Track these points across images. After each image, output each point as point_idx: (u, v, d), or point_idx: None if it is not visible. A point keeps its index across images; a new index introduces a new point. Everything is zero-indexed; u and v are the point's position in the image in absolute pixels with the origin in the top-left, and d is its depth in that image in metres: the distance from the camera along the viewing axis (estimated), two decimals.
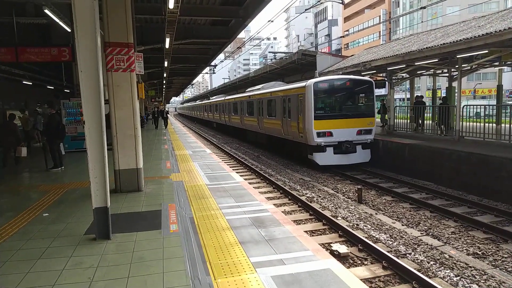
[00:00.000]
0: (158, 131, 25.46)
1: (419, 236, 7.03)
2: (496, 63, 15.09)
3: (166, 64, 19.85)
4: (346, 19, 77.61)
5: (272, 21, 15.50)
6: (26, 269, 4.03)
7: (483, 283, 5.21)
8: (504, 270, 5.59)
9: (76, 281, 3.74)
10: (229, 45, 23.26)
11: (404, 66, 15.51)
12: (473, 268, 5.64)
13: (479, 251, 6.29)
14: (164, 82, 32.62)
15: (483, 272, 5.51)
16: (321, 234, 7.23)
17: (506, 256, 6.09)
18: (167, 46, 14.32)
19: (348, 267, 5.67)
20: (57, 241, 4.84)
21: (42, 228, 5.35)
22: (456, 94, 14.46)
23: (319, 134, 13.19)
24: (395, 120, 16.84)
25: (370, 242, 6.35)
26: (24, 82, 19.86)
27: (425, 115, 16.90)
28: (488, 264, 5.82)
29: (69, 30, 10.99)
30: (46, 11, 9.57)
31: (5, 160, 10.91)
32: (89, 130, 4.62)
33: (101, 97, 4.62)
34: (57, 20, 10.27)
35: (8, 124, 10.89)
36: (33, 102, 22.51)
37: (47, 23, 12.29)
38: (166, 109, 46.96)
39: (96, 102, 4.61)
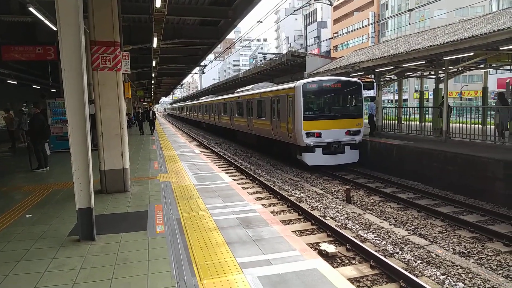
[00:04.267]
0: (143, 137, 21.46)
1: (406, 236, 7.08)
2: (482, 65, 15.32)
3: (154, 64, 19.68)
4: (336, 21, 78.23)
5: (261, 22, 15.49)
6: (7, 271, 3.92)
7: (469, 281, 5.25)
8: (489, 268, 5.65)
9: (58, 283, 3.65)
10: (219, 46, 23.15)
11: (392, 67, 15.66)
12: (459, 267, 5.69)
13: (465, 250, 6.35)
14: (153, 82, 32.31)
15: (468, 271, 5.56)
16: (309, 234, 7.22)
17: (491, 254, 6.16)
18: (154, 45, 14.19)
19: (336, 267, 5.67)
20: (39, 243, 4.72)
21: (25, 230, 5.22)
22: (443, 96, 14.64)
23: (308, 135, 13.22)
24: (383, 121, 16.97)
25: (358, 242, 6.36)
26: (9, 81, 19.45)
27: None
28: (473, 262, 5.88)
29: (55, 29, 10.81)
30: (31, 8, 9.37)
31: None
32: (73, 130, 4.53)
33: (85, 96, 4.52)
34: (42, 18, 10.08)
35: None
36: (19, 101, 22.11)
37: (32, 21, 12.07)
38: (154, 109, 40.22)
39: (79, 101, 4.52)
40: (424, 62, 14.31)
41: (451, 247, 6.50)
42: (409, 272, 5.28)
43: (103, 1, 6.85)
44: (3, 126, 18.59)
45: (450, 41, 11.28)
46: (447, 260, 5.92)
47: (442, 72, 15.28)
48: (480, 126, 14.25)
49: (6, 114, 16.87)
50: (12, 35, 13.64)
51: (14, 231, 5.15)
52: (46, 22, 10.37)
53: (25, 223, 5.54)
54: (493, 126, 12.54)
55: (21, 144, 15.86)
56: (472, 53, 11.81)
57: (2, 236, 4.98)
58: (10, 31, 13.24)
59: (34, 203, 6.67)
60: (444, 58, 12.67)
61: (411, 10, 17.72)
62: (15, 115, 16.99)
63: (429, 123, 16.89)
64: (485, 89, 17.61)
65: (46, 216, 5.84)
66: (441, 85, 16.40)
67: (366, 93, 17.96)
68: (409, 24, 46.53)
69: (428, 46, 12.17)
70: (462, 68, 15.62)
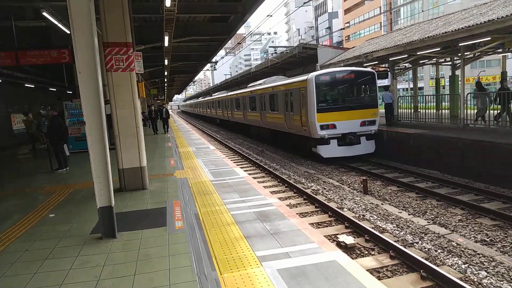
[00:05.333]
0: (158, 136, 20.52)
1: (426, 225, 7.00)
2: (499, 50, 14.92)
3: (166, 62, 19.85)
4: (347, 11, 77.13)
5: (271, 16, 15.43)
6: (34, 269, 4.05)
7: (492, 269, 5.17)
8: None
9: (83, 280, 3.76)
10: (230, 41, 23.14)
11: (406, 56, 15.37)
12: (481, 255, 5.60)
13: (487, 238, 6.24)
14: (166, 80, 32.59)
15: (491, 259, 5.47)
16: (327, 226, 7.21)
17: None
18: (166, 44, 14.31)
19: (355, 258, 5.65)
20: (63, 241, 4.86)
21: (49, 229, 5.38)
22: (459, 82, 14.32)
23: (322, 127, 13.14)
24: (399, 110, 16.72)
25: (377, 232, 6.32)
26: (26, 85, 19.93)
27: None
28: (496, 250, 5.78)
29: (68, 32, 11.00)
30: (45, 13, 9.56)
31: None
32: (90, 131, 4.62)
33: (100, 97, 4.61)
34: (56, 22, 10.27)
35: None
36: (37, 104, 22.64)
37: (46, 26, 12.30)
38: (168, 106, 37.01)
39: (95, 102, 4.60)
40: (439, 49, 14.01)
41: (472, 236, 6.40)
42: (429, 262, 5.23)
43: (114, 3, 6.93)
44: (23, 129, 19.09)
45: (466, 26, 11.00)
46: (468, 249, 5.84)
47: (458, 58, 14.94)
48: (498, 112, 13.89)
49: (26, 117, 17.32)
50: (27, 40, 13.94)
51: (39, 231, 5.31)
52: (60, 26, 10.56)
53: (49, 222, 5.71)
54: None
55: (41, 146, 16.26)
56: (489, 38, 11.50)
57: (28, 235, 5.15)
58: (26, 36, 13.53)
59: (56, 203, 6.86)
60: (460, 44, 12.38)
61: None
62: (33, 118, 17.42)
63: (446, 111, 16.56)
64: (503, 74, 17.10)
65: (68, 216, 6.00)
66: (458, 72, 16.04)
67: (381, 83, 17.72)
68: (422, 11, 45.53)
69: (442, 33, 11.90)
70: (479, 53, 15.20)
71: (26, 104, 22.13)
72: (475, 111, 13.70)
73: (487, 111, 13.07)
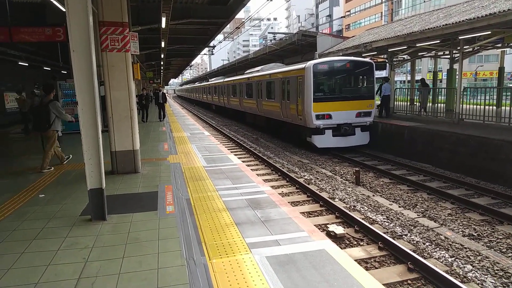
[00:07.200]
0: (148, 127, 16.84)
1: (415, 218, 7.06)
2: (499, 45, 14.88)
3: (163, 44, 19.54)
4: None
5: (271, 0, 15.19)
6: (21, 249, 4.03)
7: (477, 263, 5.24)
8: (498, 251, 5.63)
9: (71, 261, 3.75)
10: (228, 26, 22.81)
11: (406, 47, 15.29)
12: (468, 249, 5.68)
13: (475, 233, 6.32)
14: (162, 63, 32.18)
15: (477, 253, 5.54)
16: (317, 216, 7.25)
17: (501, 237, 6.12)
18: (163, 26, 14.05)
19: (344, 248, 5.71)
20: (52, 222, 4.84)
21: (38, 209, 5.35)
22: (457, 76, 14.31)
23: (318, 117, 13.10)
24: (395, 103, 16.71)
25: (367, 223, 6.37)
26: (20, 63, 19.59)
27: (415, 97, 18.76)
28: (483, 245, 5.85)
29: (64, 9, 10.75)
30: None
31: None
32: (83, 111, 4.55)
33: (94, 78, 4.53)
34: None
35: None
36: (30, 83, 22.31)
37: (41, 2, 12.03)
38: (164, 90, 31.91)
39: (89, 83, 4.52)
40: (438, 41, 13.92)
41: (460, 230, 6.47)
42: (417, 254, 5.29)
43: None
44: (16, 108, 18.86)
45: (467, 19, 10.92)
46: (456, 243, 5.91)
47: (457, 52, 14.89)
48: (494, 107, 13.95)
49: (19, 96, 17.08)
50: (21, 16, 13.63)
51: (28, 211, 5.28)
52: (55, 2, 10.30)
53: (38, 203, 5.67)
54: (508, 107, 12.29)
55: None
56: (489, 32, 11.44)
57: (17, 215, 5.12)
58: (20, 12, 13.23)
59: (47, 183, 6.81)
60: (460, 38, 12.31)
61: None
62: (27, 97, 17.17)
63: (442, 105, 16.58)
64: (501, 70, 17.12)
65: (58, 196, 5.96)
66: (456, 65, 16.02)
67: (378, 74, 17.64)
68: (424, 2, 45.14)
69: (443, 25, 11.81)
70: (478, 47, 15.16)
71: (19, 83, 21.80)
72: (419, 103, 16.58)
73: (427, 104, 16.32)
